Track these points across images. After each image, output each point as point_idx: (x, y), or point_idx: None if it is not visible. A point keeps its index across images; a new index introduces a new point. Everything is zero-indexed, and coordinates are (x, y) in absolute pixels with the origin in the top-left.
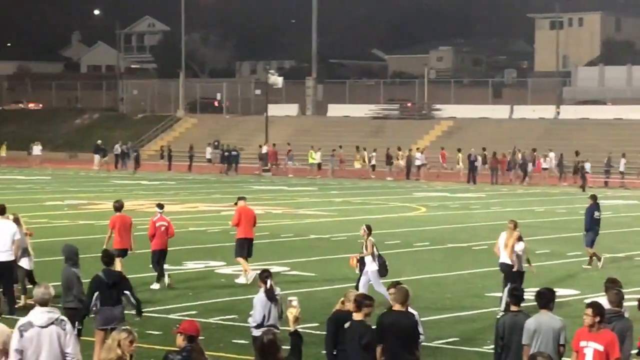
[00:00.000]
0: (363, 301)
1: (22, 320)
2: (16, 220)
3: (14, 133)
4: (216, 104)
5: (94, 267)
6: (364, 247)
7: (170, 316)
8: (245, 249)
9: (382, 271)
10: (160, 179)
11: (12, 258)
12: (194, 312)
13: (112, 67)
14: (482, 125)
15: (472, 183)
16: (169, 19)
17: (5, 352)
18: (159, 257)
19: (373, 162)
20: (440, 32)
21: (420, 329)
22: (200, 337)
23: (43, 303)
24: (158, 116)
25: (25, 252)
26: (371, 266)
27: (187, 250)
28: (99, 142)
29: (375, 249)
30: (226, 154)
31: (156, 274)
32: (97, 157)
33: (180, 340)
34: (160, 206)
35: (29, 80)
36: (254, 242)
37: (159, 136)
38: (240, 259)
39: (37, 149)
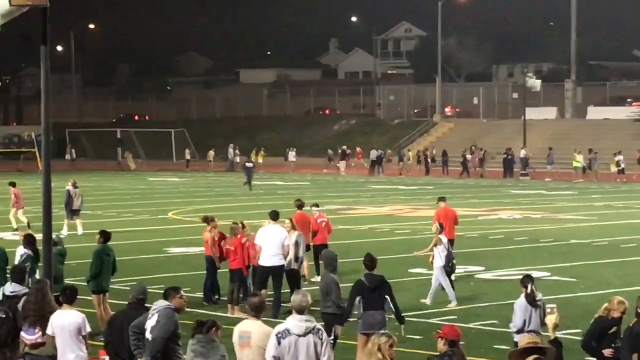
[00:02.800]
0: None
1: (279, 328)
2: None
3: (272, 139)
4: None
5: (352, 273)
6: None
7: (431, 320)
8: None
9: (446, 267)
10: (418, 183)
11: (282, 263)
12: (454, 317)
13: (369, 73)
14: None
15: None
16: (426, 24)
17: None
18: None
19: (622, 165)
20: None
21: None
22: (460, 342)
23: (300, 311)
24: (415, 121)
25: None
26: (437, 261)
27: None
28: (344, 147)
29: (444, 246)
30: (509, 157)
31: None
32: (343, 162)
33: (441, 345)
34: (317, 205)
35: (288, 87)
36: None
37: (416, 141)
38: None
39: (291, 155)
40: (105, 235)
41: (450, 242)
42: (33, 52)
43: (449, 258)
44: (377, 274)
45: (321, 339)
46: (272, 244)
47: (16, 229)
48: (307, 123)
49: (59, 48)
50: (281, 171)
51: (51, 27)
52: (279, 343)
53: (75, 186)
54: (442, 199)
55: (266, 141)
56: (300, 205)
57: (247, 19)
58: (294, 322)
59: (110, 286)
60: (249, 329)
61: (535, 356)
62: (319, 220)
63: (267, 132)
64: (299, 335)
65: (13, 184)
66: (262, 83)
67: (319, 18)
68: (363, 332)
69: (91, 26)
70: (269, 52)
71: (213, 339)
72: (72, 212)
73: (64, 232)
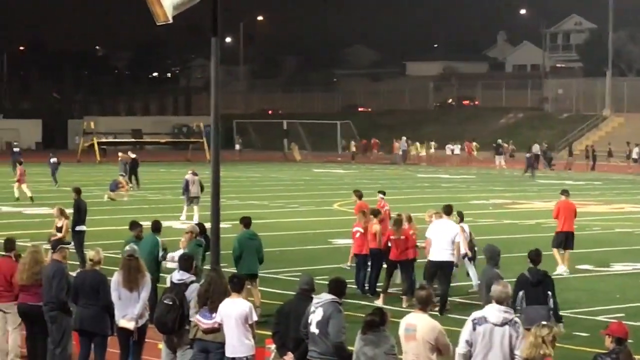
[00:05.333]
0: None
1: (477, 314)
2: (461, 216)
3: (438, 132)
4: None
5: (517, 267)
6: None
7: (598, 318)
8: (562, 241)
9: (465, 255)
10: (586, 179)
11: (451, 258)
12: (621, 315)
13: (537, 67)
14: None
15: None
16: (596, 17)
17: (436, 348)
18: None
19: None
20: None
21: None
22: (629, 341)
23: (500, 301)
24: (583, 115)
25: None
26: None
27: (614, 252)
28: (499, 141)
29: (466, 235)
30: None
31: None
32: (498, 157)
33: (608, 343)
34: (383, 193)
35: (455, 80)
36: (574, 234)
37: (584, 135)
38: (555, 250)
39: (456, 148)
40: (245, 221)
41: (570, 235)
42: (202, 44)
43: (471, 246)
44: (541, 268)
45: (517, 332)
46: (442, 239)
47: (17, 199)
48: (474, 116)
49: (228, 40)
50: (446, 164)
51: (221, 19)
52: (474, 329)
53: (194, 174)
54: (564, 192)
55: (431, 134)
56: (360, 196)
57: (414, 11)
58: (493, 311)
59: (275, 276)
60: (414, 322)
61: None
62: (384, 209)
63: (434, 125)
64: (496, 325)
65: (20, 162)
66: (428, 75)
67: (487, 10)
68: (526, 327)
69: (260, 18)
70: (435, 45)
71: (382, 328)
72: (190, 200)
73: (182, 218)
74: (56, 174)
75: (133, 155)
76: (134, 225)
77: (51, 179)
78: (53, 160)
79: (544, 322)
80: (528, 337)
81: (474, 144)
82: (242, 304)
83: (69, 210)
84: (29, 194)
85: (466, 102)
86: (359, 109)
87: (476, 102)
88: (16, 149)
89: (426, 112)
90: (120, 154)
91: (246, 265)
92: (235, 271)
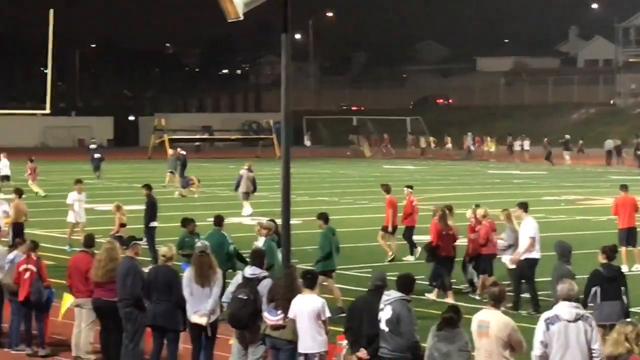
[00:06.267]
0: None
1: (548, 313)
2: (508, 217)
3: (509, 128)
4: None
5: (588, 264)
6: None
7: None
8: (624, 238)
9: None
10: None
11: (538, 256)
12: None
13: (609, 62)
14: None
15: None
16: None
17: (509, 345)
18: (412, 232)
19: None
20: None
21: None
22: None
23: (568, 298)
24: None
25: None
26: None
27: None
28: (567, 137)
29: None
30: None
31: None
32: (566, 153)
33: None
34: (410, 187)
35: (525, 75)
36: (636, 229)
37: None
38: (622, 249)
39: (526, 144)
40: (324, 217)
41: (632, 230)
42: (271, 41)
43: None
44: (614, 264)
45: (591, 326)
46: (538, 238)
47: (37, 193)
48: (545, 112)
49: (297, 36)
50: (517, 160)
51: (291, 15)
52: (547, 328)
53: (250, 170)
54: (623, 187)
55: (502, 129)
56: (388, 190)
57: (484, 7)
58: (564, 308)
59: (346, 272)
60: (487, 319)
61: None
62: (413, 203)
63: (504, 121)
64: (569, 321)
65: (31, 160)
66: (499, 71)
67: (558, 5)
68: (600, 324)
69: (329, 14)
70: (506, 40)
71: (457, 325)
72: (243, 195)
73: (249, 213)
74: (100, 170)
75: (183, 152)
76: (187, 221)
77: (94, 175)
78: (97, 156)
79: (628, 320)
80: (612, 334)
81: (489, 138)
82: (314, 300)
83: (142, 207)
84: (35, 189)
85: (440, 100)
86: (438, 101)
87: (450, 101)
88: (93, 146)
89: (497, 107)
90: (170, 150)
91: (333, 260)
92: (312, 267)
